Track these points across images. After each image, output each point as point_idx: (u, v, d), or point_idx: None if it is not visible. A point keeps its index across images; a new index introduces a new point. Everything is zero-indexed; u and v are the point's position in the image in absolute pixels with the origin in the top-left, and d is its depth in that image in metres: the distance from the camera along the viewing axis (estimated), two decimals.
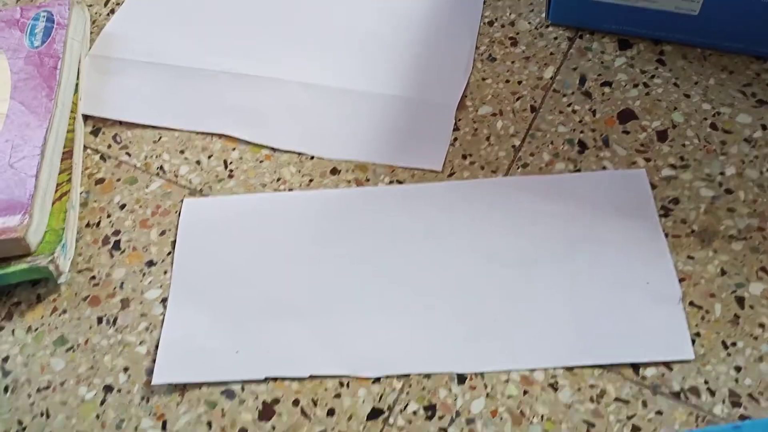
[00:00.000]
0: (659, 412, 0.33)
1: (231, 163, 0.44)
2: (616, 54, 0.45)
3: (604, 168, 0.41)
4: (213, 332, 0.38)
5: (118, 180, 0.44)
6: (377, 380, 0.36)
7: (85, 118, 0.47)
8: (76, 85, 0.46)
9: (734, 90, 0.42)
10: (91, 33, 0.50)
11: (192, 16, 0.50)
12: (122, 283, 0.40)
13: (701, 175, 0.40)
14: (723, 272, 0.37)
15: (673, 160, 0.40)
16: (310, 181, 0.42)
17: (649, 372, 0.34)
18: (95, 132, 0.46)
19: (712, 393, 0.34)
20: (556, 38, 0.46)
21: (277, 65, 0.47)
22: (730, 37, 0.43)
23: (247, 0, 0.50)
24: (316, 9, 0.49)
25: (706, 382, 0.34)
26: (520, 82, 0.45)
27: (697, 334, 0.35)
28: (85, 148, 0.46)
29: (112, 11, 0.52)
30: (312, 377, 0.36)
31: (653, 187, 0.40)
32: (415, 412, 0.35)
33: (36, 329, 0.40)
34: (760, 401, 0.33)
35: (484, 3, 0.48)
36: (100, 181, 0.44)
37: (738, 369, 0.34)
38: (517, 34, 0.47)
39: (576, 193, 0.40)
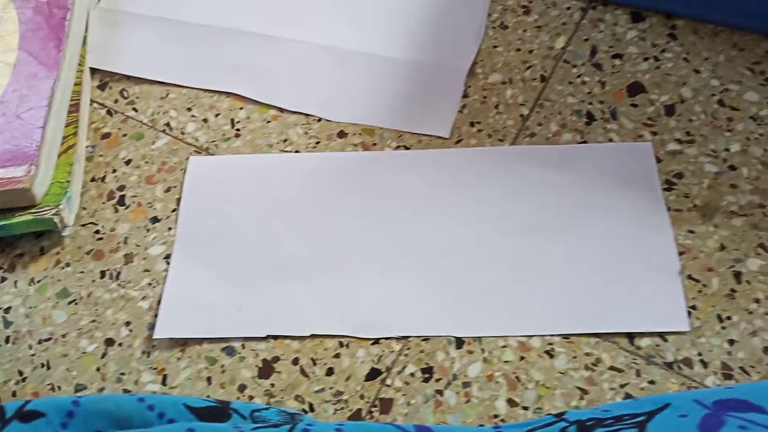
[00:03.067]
0: (652, 382, 0.34)
1: (238, 122, 0.44)
2: (629, 26, 0.45)
3: (610, 140, 0.41)
4: (215, 289, 0.38)
5: (125, 135, 0.44)
6: (376, 342, 0.36)
7: (93, 71, 0.46)
8: (84, 37, 0.46)
9: (743, 68, 0.42)
10: None
11: None
12: (126, 239, 0.41)
13: (706, 151, 0.40)
14: (722, 247, 0.37)
15: (680, 134, 0.40)
16: (317, 143, 0.43)
17: (644, 342, 0.35)
18: (102, 86, 0.46)
19: (705, 365, 0.34)
20: (569, 8, 0.46)
21: (287, 26, 0.46)
22: (742, 14, 0.43)
23: None
24: None
25: (699, 354, 0.35)
26: (531, 51, 0.44)
27: (693, 307, 0.36)
28: (92, 102, 0.46)
29: None
30: (313, 336, 0.37)
31: (658, 160, 0.40)
32: (412, 374, 0.35)
33: (39, 281, 0.40)
34: (751, 374, 0.34)
35: None
36: (107, 135, 0.44)
37: (731, 342, 0.35)
38: (530, 2, 0.46)
39: (581, 164, 0.40)
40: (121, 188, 0.42)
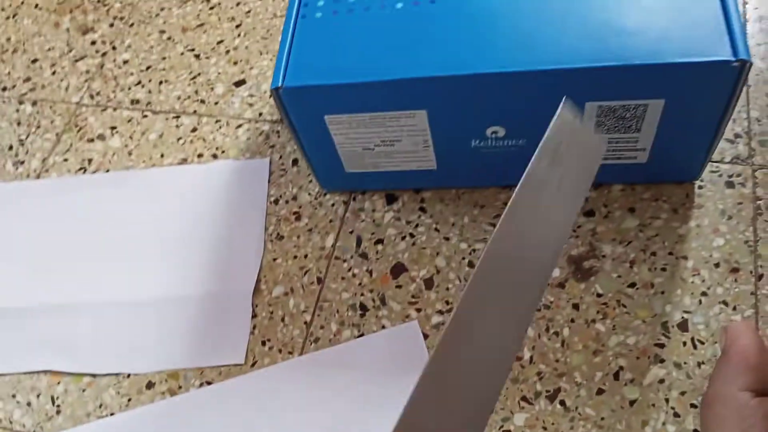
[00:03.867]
0: None
1: (58, 398, 0.47)
2: (385, 210, 0.50)
3: (383, 327, 0.45)
4: None
5: None
6: None
7: None
8: None
9: (486, 224, 0.48)
10: None
11: None
12: None
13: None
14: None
15: (440, 305, 0.45)
16: (129, 400, 0.46)
17: None
18: None
19: None
20: (333, 204, 0.51)
21: (79, 290, 0.50)
22: (469, 177, 0.48)
23: (38, 232, 0.54)
24: (106, 227, 0.53)
25: None
26: (306, 256, 0.49)
27: None
28: None
29: None
30: None
31: (426, 336, 0.44)
32: None
33: None
34: None
35: (269, 182, 0.53)
36: None
37: None
38: (300, 207, 0.51)
39: (359, 359, 0.44)
40: None
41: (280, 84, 0.42)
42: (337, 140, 0.45)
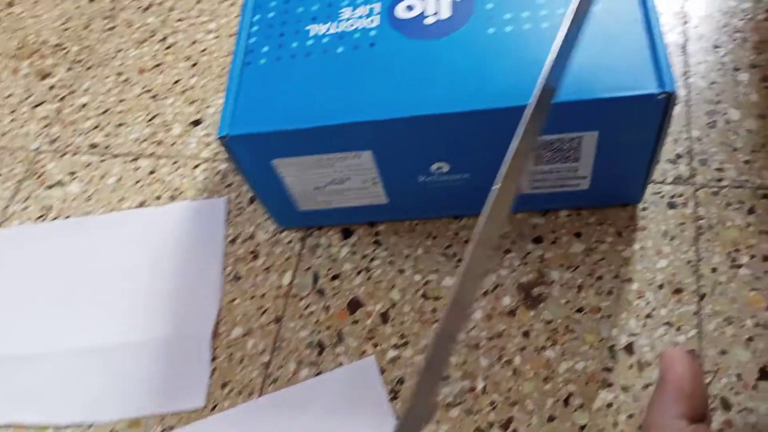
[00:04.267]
0: None
1: None
2: (341, 244, 0.51)
3: (341, 364, 0.46)
4: None
5: None
6: None
7: None
8: None
9: (438, 254, 0.48)
10: None
11: None
12: None
13: (420, 348, 0.45)
14: None
15: (396, 339, 0.46)
16: None
17: None
18: None
19: None
20: (290, 242, 0.52)
21: (46, 337, 0.51)
22: (421, 209, 0.49)
23: None
24: (65, 275, 0.54)
25: None
26: (263, 295, 0.50)
27: None
28: None
29: None
30: None
31: (382, 371, 0.45)
32: None
33: None
34: None
35: (227, 221, 0.54)
36: None
37: None
38: (257, 246, 0.52)
39: (317, 397, 0.44)
40: None
41: (227, 133, 0.42)
42: (288, 182, 0.46)
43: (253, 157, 0.44)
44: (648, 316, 0.43)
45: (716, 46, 0.53)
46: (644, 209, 0.47)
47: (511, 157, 0.28)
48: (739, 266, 0.44)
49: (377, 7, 0.45)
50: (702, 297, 0.43)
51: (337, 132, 0.42)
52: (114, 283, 0.52)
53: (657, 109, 0.38)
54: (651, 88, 0.38)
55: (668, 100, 0.38)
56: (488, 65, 0.41)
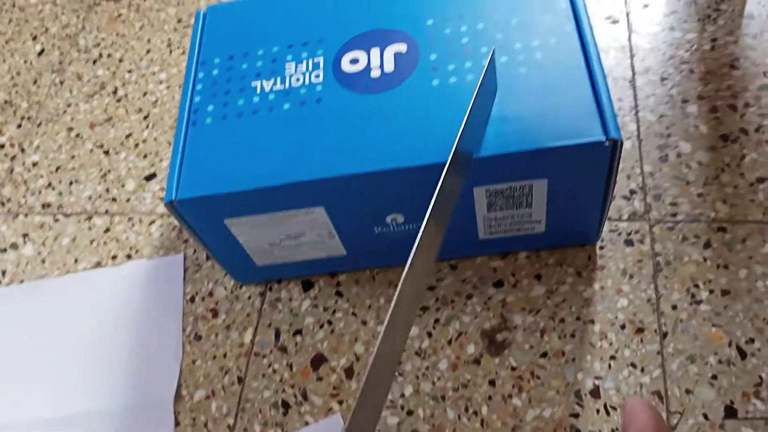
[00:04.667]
0: None
1: None
2: (302, 297, 0.50)
3: (306, 423, 0.45)
4: None
5: None
6: None
7: None
8: None
9: None
10: None
11: None
12: None
13: (386, 404, 0.44)
14: None
15: None
16: None
17: None
18: None
19: None
20: (249, 297, 0.51)
21: (3, 409, 0.49)
22: (380, 258, 0.49)
23: None
24: (22, 342, 0.52)
25: None
26: (225, 355, 0.49)
27: None
28: None
29: None
30: None
31: None
32: None
33: None
34: None
35: (184, 279, 0.53)
36: None
37: None
38: (217, 303, 0.51)
39: None
40: None
41: (174, 197, 0.41)
42: (242, 240, 0.45)
43: (203, 219, 0.43)
44: (612, 357, 0.43)
45: (664, 79, 0.54)
46: (602, 247, 0.47)
47: (429, 213, 0.30)
48: (699, 302, 0.44)
49: (320, 61, 0.44)
50: (664, 335, 0.43)
51: (287, 191, 0.41)
52: (72, 349, 0.51)
53: (604, 155, 0.38)
54: (597, 135, 0.38)
55: (614, 146, 0.38)
56: (433, 117, 0.40)
